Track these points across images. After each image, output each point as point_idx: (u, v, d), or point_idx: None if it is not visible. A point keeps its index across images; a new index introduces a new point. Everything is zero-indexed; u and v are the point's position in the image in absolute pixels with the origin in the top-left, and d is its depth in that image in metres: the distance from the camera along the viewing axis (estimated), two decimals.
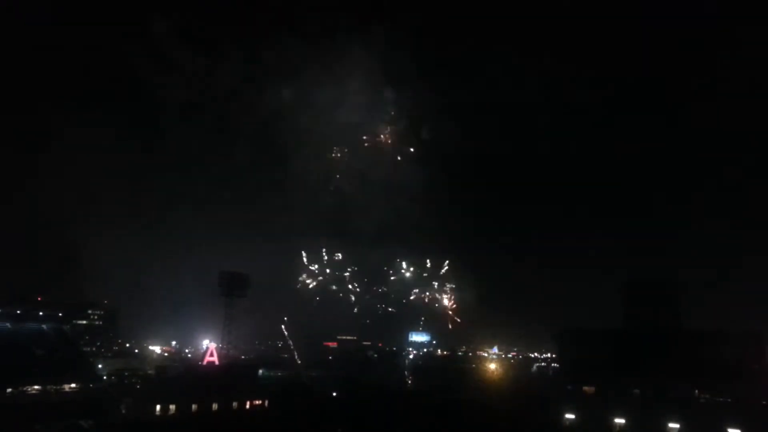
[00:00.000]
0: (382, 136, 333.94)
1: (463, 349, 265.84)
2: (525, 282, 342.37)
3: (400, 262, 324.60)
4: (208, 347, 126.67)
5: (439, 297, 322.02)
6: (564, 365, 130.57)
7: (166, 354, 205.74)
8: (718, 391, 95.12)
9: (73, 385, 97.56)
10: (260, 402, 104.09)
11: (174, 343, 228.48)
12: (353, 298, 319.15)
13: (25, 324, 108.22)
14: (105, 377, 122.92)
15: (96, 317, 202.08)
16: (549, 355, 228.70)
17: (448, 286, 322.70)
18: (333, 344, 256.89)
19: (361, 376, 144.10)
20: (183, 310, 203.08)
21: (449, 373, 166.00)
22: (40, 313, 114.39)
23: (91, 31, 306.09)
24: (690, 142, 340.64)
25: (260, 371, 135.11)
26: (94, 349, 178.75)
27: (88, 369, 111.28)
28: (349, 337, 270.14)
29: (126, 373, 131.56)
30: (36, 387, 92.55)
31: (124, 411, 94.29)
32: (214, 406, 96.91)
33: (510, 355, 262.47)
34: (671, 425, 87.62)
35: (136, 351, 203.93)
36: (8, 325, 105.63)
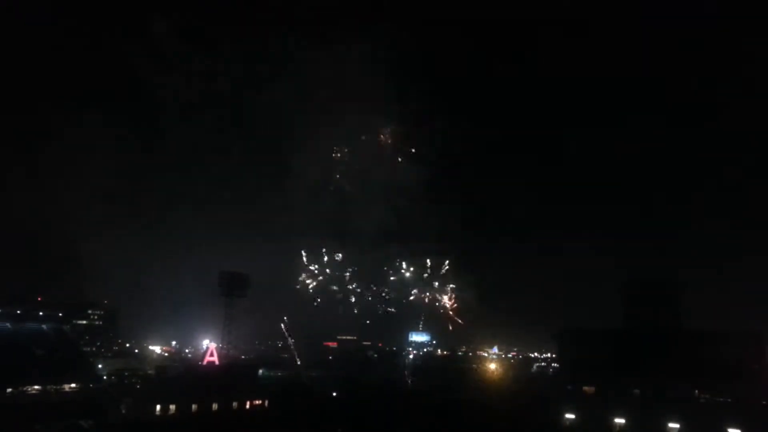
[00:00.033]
0: (382, 136, 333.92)
1: (463, 349, 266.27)
2: (525, 282, 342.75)
3: (400, 262, 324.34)
4: (208, 347, 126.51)
5: (439, 297, 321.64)
6: (564, 365, 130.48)
7: (166, 354, 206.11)
8: (718, 391, 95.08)
9: (73, 385, 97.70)
10: (260, 402, 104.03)
11: (174, 343, 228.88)
12: (353, 298, 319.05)
13: (25, 324, 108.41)
14: (105, 377, 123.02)
15: (96, 317, 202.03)
16: (549, 355, 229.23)
17: (448, 286, 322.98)
18: (333, 344, 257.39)
19: (361, 376, 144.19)
20: (183, 310, 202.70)
21: (449, 373, 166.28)
22: (40, 313, 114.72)
23: (91, 31, 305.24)
24: (690, 142, 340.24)
25: (260, 371, 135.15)
26: (94, 349, 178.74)
27: (88, 369, 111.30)
28: (349, 337, 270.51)
29: (126, 373, 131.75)
30: (36, 387, 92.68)
31: (124, 411, 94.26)
32: (214, 406, 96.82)
33: (510, 355, 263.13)
34: (671, 425, 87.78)
35: (136, 351, 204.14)
36: (8, 325, 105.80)
